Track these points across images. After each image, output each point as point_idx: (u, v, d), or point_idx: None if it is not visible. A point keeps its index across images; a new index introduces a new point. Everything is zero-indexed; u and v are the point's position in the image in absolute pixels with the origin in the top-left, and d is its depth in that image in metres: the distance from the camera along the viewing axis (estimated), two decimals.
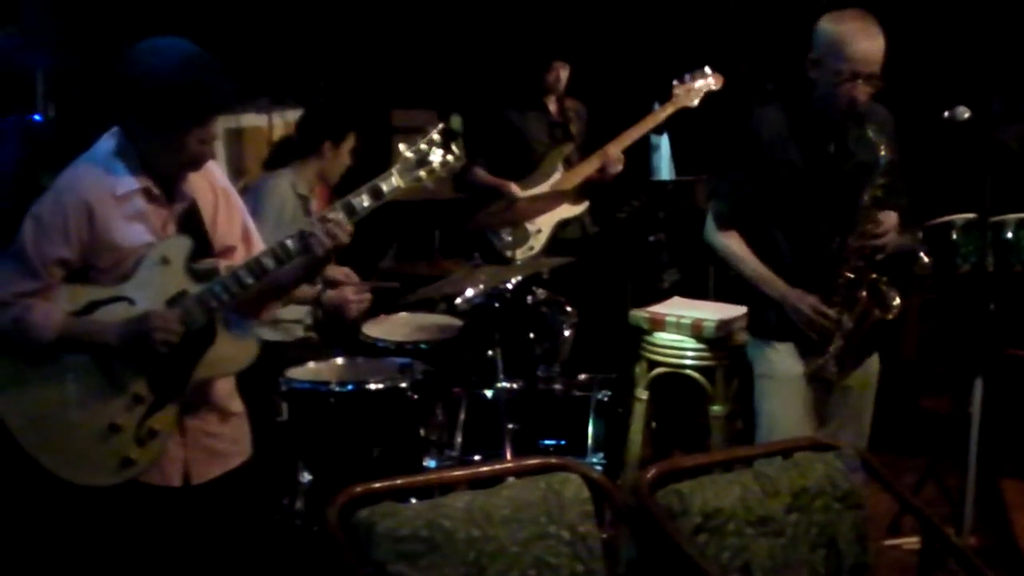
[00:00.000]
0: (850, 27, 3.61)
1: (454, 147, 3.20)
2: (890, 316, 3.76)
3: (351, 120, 4.70)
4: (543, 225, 5.46)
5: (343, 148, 4.67)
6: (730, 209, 3.91)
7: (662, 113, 5.58)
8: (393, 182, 3.13)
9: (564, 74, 5.54)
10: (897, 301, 3.75)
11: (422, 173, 3.17)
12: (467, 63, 6.55)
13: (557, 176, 5.53)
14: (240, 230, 3.29)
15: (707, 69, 5.58)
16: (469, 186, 5.52)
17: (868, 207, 3.71)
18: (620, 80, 6.43)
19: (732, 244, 3.89)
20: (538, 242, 5.47)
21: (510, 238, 5.39)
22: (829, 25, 3.66)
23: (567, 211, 5.50)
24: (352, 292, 4.41)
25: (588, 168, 5.52)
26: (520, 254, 5.35)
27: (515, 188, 5.41)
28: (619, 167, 5.53)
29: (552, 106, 5.60)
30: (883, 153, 3.67)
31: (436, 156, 3.18)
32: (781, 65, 5.83)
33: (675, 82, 5.58)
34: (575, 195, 5.49)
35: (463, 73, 6.54)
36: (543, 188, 5.48)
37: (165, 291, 3.05)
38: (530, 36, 5.93)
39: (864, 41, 3.60)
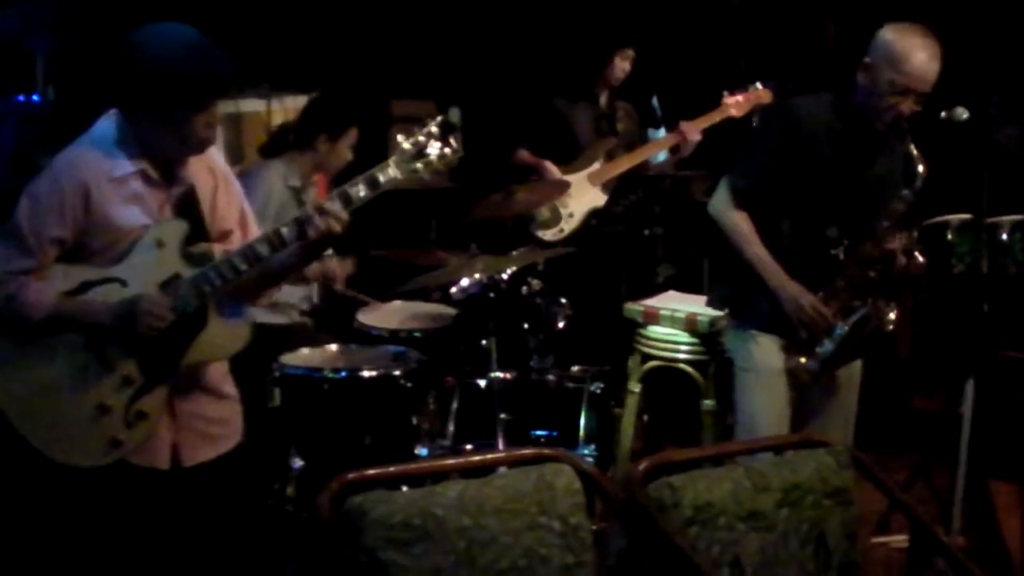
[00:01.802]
0: (913, 42, 3.60)
1: (452, 140, 3.20)
2: (884, 329, 3.76)
3: (350, 116, 4.69)
4: (576, 210, 5.53)
5: (340, 144, 4.65)
6: (749, 187, 3.83)
7: (706, 121, 5.65)
8: (390, 173, 3.13)
9: (628, 66, 5.60)
10: (893, 316, 3.75)
11: (419, 165, 3.17)
12: (467, 54, 6.56)
13: (596, 167, 5.59)
14: (238, 215, 3.29)
15: (759, 84, 5.65)
16: (513, 167, 5.57)
17: (892, 220, 3.71)
18: (653, 83, 6.45)
19: (741, 223, 3.83)
20: (568, 226, 5.55)
21: (543, 218, 5.46)
22: (892, 35, 3.64)
23: (601, 200, 5.57)
24: (336, 263, 4.45)
25: (665, 144, 5.67)
26: (549, 235, 5.44)
27: (553, 168, 5.50)
28: (697, 138, 5.60)
29: (603, 99, 5.67)
30: (921, 170, 3.65)
31: (434, 149, 3.17)
32: (781, 63, 5.84)
33: (725, 93, 5.63)
34: (610, 186, 5.58)
35: (463, 64, 6.54)
36: (580, 176, 5.53)
37: (159, 274, 3.05)
38: (598, 25, 5.96)
39: (924, 58, 3.59)
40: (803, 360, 3.79)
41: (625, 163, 5.62)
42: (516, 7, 6.68)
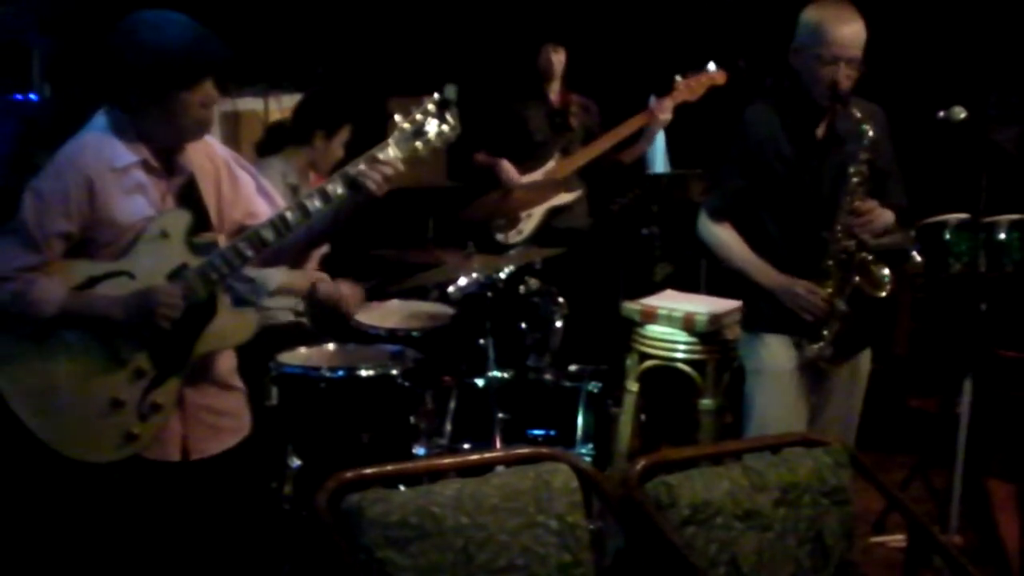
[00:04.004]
0: (829, 13, 3.72)
1: (449, 117, 3.19)
2: (883, 293, 3.78)
3: (346, 112, 4.68)
4: (534, 210, 5.49)
5: (336, 140, 4.64)
6: (723, 203, 3.93)
7: (670, 102, 5.60)
8: (390, 152, 3.12)
9: (557, 58, 5.59)
10: (887, 274, 3.77)
11: (418, 144, 3.16)
12: (465, 50, 6.55)
13: (551, 164, 5.57)
14: (253, 193, 3.28)
15: (711, 65, 5.61)
16: (472, 171, 5.56)
17: (855, 185, 3.73)
18: (617, 73, 6.44)
19: (724, 235, 3.91)
20: (527, 227, 5.52)
21: (501, 221, 5.43)
22: (809, 13, 3.77)
23: (559, 198, 5.54)
24: (347, 287, 4.43)
25: (628, 128, 5.58)
26: (510, 238, 5.40)
27: (507, 165, 5.48)
28: (667, 117, 5.56)
29: (553, 95, 5.65)
30: (867, 129, 3.70)
31: (432, 126, 3.17)
32: (780, 61, 5.84)
33: (677, 77, 5.61)
34: (570, 181, 5.54)
35: (461, 60, 6.54)
36: (537, 175, 5.52)
37: (165, 265, 3.05)
38: (523, 22, 5.95)
39: (843, 25, 3.69)
40: (815, 347, 3.82)
41: (581, 158, 5.59)
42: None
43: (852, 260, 3.78)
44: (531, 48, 5.61)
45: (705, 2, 6.66)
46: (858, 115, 3.72)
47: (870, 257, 3.79)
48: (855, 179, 3.73)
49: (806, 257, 3.80)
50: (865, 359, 4.00)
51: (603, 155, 5.61)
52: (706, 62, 5.64)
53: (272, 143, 4.71)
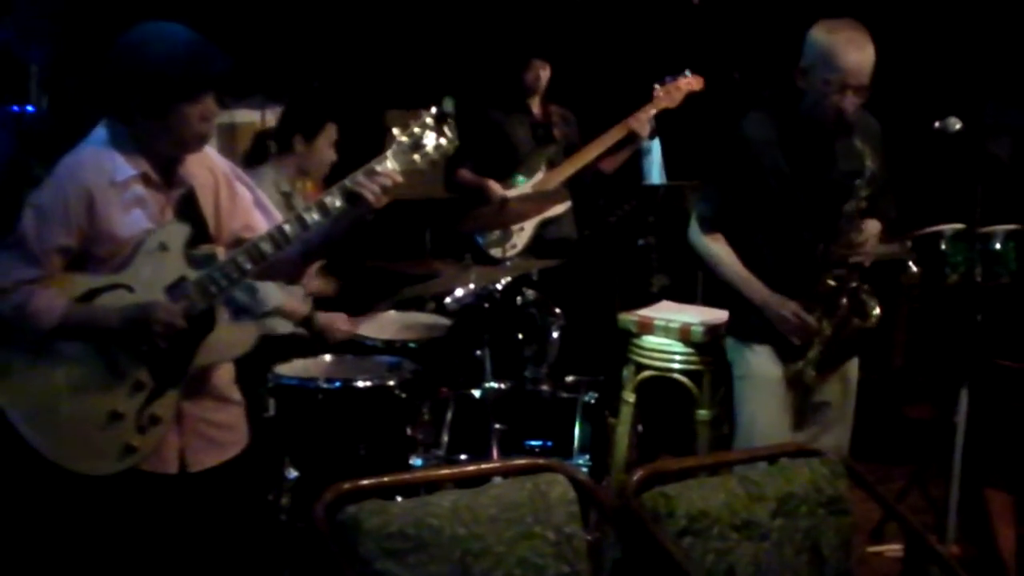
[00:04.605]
0: (842, 37, 3.62)
1: (447, 130, 3.19)
2: (869, 325, 3.78)
3: (322, 114, 4.67)
4: (526, 224, 5.49)
5: (317, 143, 4.62)
6: (714, 212, 3.92)
7: (645, 113, 5.60)
8: (388, 165, 3.13)
9: (544, 74, 5.60)
10: (877, 310, 3.78)
11: (416, 157, 3.16)
12: (463, 63, 6.56)
13: (539, 177, 5.57)
14: (251, 206, 3.28)
15: (687, 72, 5.62)
16: (456, 186, 5.57)
17: (852, 216, 3.73)
18: (611, 83, 6.45)
19: (715, 247, 3.90)
20: (521, 240, 5.51)
21: (494, 236, 5.43)
22: (821, 35, 3.67)
23: (552, 210, 5.54)
24: (343, 322, 4.44)
25: (611, 139, 5.57)
26: (503, 252, 5.39)
27: (495, 186, 5.46)
28: (647, 129, 5.57)
29: (535, 108, 5.66)
30: (869, 163, 3.68)
31: (430, 139, 3.17)
32: (775, 72, 5.86)
33: (656, 85, 5.62)
34: (561, 192, 5.54)
35: (459, 73, 6.55)
36: (526, 188, 5.52)
37: (164, 278, 3.05)
38: (510, 36, 5.95)
39: (855, 52, 3.60)
40: (799, 364, 3.82)
41: (568, 168, 5.59)
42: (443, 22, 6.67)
43: (844, 287, 3.78)
44: (513, 62, 5.60)
45: (695, 14, 6.66)
46: (860, 147, 3.68)
47: (865, 287, 3.79)
48: (854, 211, 3.72)
49: (795, 275, 3.80)
50: (853, 367, 4.00)
51: (585, 164, 5.62)
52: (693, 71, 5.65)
53: (258, 153, 4.72)
